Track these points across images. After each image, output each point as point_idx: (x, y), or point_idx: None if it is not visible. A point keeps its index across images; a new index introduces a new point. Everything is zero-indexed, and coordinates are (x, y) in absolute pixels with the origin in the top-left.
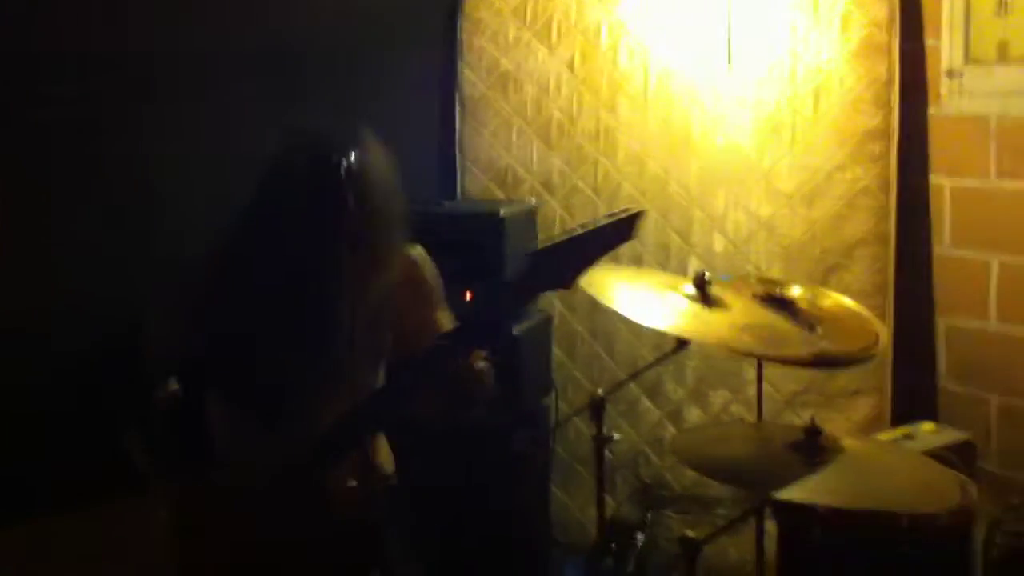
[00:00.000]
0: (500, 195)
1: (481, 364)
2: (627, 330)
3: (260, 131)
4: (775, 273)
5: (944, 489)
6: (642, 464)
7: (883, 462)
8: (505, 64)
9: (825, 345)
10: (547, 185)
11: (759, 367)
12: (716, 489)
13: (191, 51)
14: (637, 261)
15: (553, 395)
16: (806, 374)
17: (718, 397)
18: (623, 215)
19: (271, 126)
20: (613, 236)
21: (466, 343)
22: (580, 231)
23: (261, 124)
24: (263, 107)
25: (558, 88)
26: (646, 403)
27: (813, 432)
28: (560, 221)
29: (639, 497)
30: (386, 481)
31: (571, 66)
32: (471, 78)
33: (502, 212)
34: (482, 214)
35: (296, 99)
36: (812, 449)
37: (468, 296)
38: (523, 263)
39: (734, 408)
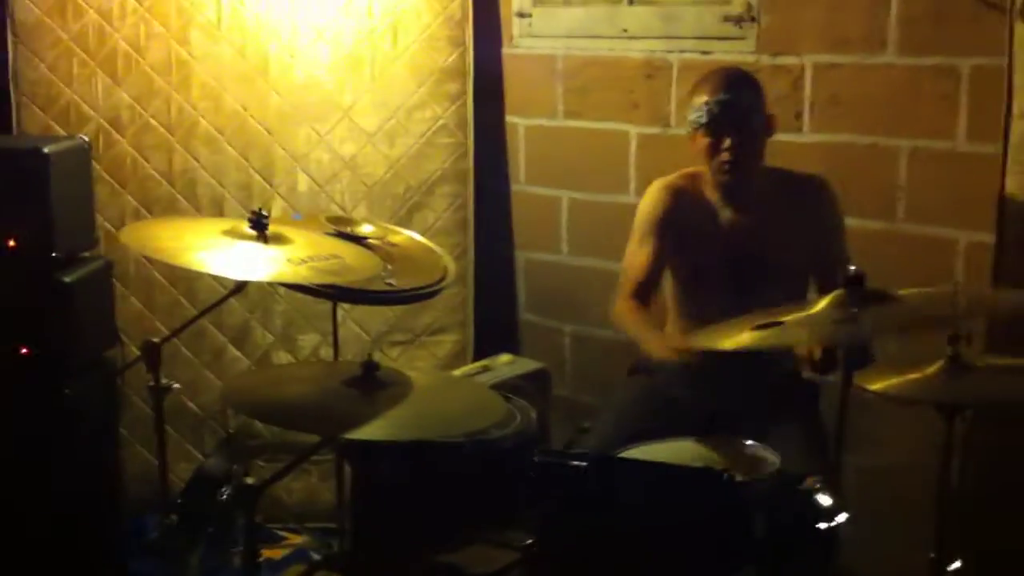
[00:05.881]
0: (63, 134)
1: None
2: (209, 276)
3: None
4: (360, 213)
5: (502, 415)
6: (232, 414)
7: (444, 394)
8: None
9: (393, 280)
10: (115, 123)
11: (334, 307)
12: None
13: None
14: (218, 204)
15: (119, 346)
16: (391, 313)
17: (307, 341)
18: None
19: None
20: None
21: None
22: None
23: None
24: None
25: (122, 16)
26: (233, 351)
27: (370, 367)
28: (132, 161)
29: (225, 448)
30: None
31: None
32: (25, 1)
33: (47, 149)
34: (25, 151)
35: None
36: (371, 384)
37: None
38: None
39: (324, 351)
